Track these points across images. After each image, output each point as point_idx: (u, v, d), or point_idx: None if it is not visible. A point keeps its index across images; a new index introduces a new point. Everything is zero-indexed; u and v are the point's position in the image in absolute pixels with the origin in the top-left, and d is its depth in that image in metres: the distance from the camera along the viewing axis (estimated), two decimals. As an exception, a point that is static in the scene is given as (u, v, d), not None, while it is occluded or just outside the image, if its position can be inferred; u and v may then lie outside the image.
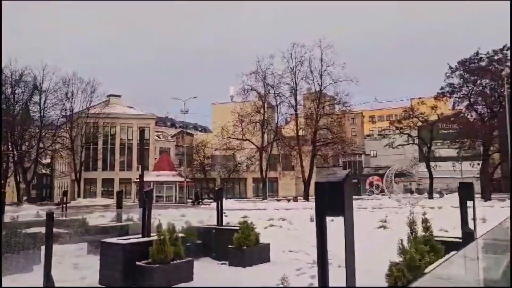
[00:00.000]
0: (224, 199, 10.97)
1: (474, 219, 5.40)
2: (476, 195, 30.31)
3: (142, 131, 15.64)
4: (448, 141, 42.15)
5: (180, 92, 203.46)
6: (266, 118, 46.23)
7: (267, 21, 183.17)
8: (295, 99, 45.07)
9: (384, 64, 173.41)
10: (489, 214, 15.36)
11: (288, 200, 39.97)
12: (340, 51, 76.48)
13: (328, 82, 43.02)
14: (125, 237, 7.42)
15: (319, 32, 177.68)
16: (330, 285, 2.00)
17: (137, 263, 6.32)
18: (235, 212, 20.78)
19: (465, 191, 5.59)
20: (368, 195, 47.52)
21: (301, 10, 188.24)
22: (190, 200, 45.19)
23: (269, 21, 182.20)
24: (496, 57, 36.42)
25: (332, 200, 1.61)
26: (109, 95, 60.64)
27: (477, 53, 37.16)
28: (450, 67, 38.23)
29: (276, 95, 45.92)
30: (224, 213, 10.80)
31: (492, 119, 36.91)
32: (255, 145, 46.25)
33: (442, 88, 39.13)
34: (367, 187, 58.66)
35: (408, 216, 5.03)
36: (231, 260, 8.01)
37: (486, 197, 33.92)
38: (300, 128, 45.66)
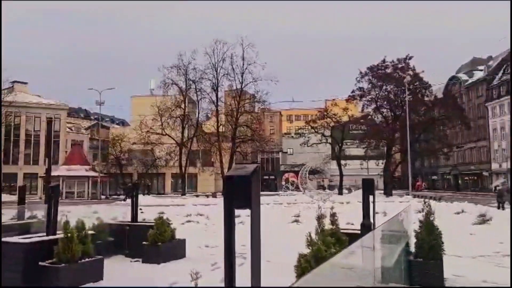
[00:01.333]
0: (141, 195, 10.66)
1: (373, 212, 5.92)
2: (380, 191, 32.98)
3: (50, 121, 14.57)
4: (357, 141, 45.31)
5: (97, 83, 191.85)
6: (187, 113, 45.63)
7: (190, 16, 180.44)
8: (216, 96, 45.12)
9: (304, 66, 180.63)
10: (390, 208, 16.87)
11: (207, 196, 39.90)
12: (261, 51, 78.19)
13: (249, 80, 43.68)
14: (26, 236, 6.87)
15: (241, 31, 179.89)
16: (242, 278, 2.08)
17: (40, 263, 5.90)
18: (152, 208, 20.26)
19: (367, 187, 6.10)
20: (284, 191, 49.18)
21: (225, 8, 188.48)
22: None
23: (193, 16, 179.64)
24: (399, 66, 39.91)
25: (240, 193, 1.67)
26: (14, 82, 55.17)
27: (384, 61, 40.40)
28: (360, 72, 41.12)
29: (197, 90, 45.56)
30: (140, 209, 10.48)
31: (394, 122, 40.41)
32: (174, 140, 45.43)
33: (353, 91, 41.93)
34: (283, 183, 60.71)
35: (317, 211, 5.35)
36: (145, 257, 7.84)
37: (388, 192, 37.13)
38: (221, 125, 45.82)
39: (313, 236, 4.69)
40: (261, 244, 2.21)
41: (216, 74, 44.10)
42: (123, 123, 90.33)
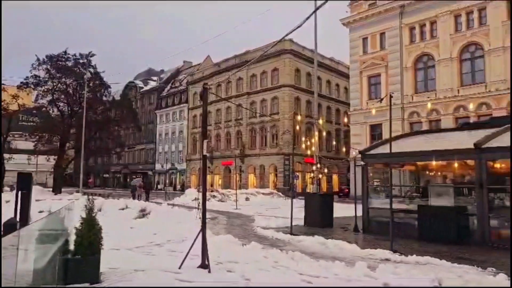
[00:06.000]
0: None
1: (27, 209, 5.51)
2: (49, 188, 30.86)
3: None
4: (27, 134, 40.79)
5: None
6: None
7: None
8: None
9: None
10: (57, 206, 16.09)
11: None
12: None
13: None
14: None
15: None
16: None
17: None
18: None
19: (22, 183, 5.60)
20: None
21: None
22: None
23: None
24: (81, 61, 38.90)
25: None
26: None
27: (66, 52, 38.34)
28: (38, 59, 37.40)
29: None
30: None
31: (71, 117, 38.95)
32: None
33: (27, 78, 37.56)
34: None
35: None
36: None
37: (57, 190, 35.23)
38: None
39: None
40: None
41: None
42: None
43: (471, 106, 26.79)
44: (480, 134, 10.49)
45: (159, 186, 61.54)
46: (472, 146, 9.76)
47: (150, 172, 65.49)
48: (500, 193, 10.12)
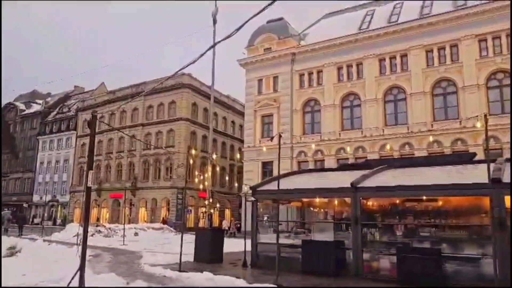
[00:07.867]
0: None
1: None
2: None
3: None
4: None
5: None
6: None
7: None
8: None
9: None
10: None
11: None
12: None
13: None
14: None
15: None
16: None
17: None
18: None
19: None
20: None
21: None
22: None
23: None
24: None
25: None
26: None
27: None
28: None
29: None
30: None
31: None
32: None
33: None
34: None
35: None
36: None
37: None
38: None
39: None
40: None
41: None
42: None
43: (349, 149, 29.71)
44: (357, 174, 11.71)
45: (35, 220, 55.24)
46: (349, 185, 10.80)
47: (25, 204, 58.61)
48: (372, 229, 11.25)
